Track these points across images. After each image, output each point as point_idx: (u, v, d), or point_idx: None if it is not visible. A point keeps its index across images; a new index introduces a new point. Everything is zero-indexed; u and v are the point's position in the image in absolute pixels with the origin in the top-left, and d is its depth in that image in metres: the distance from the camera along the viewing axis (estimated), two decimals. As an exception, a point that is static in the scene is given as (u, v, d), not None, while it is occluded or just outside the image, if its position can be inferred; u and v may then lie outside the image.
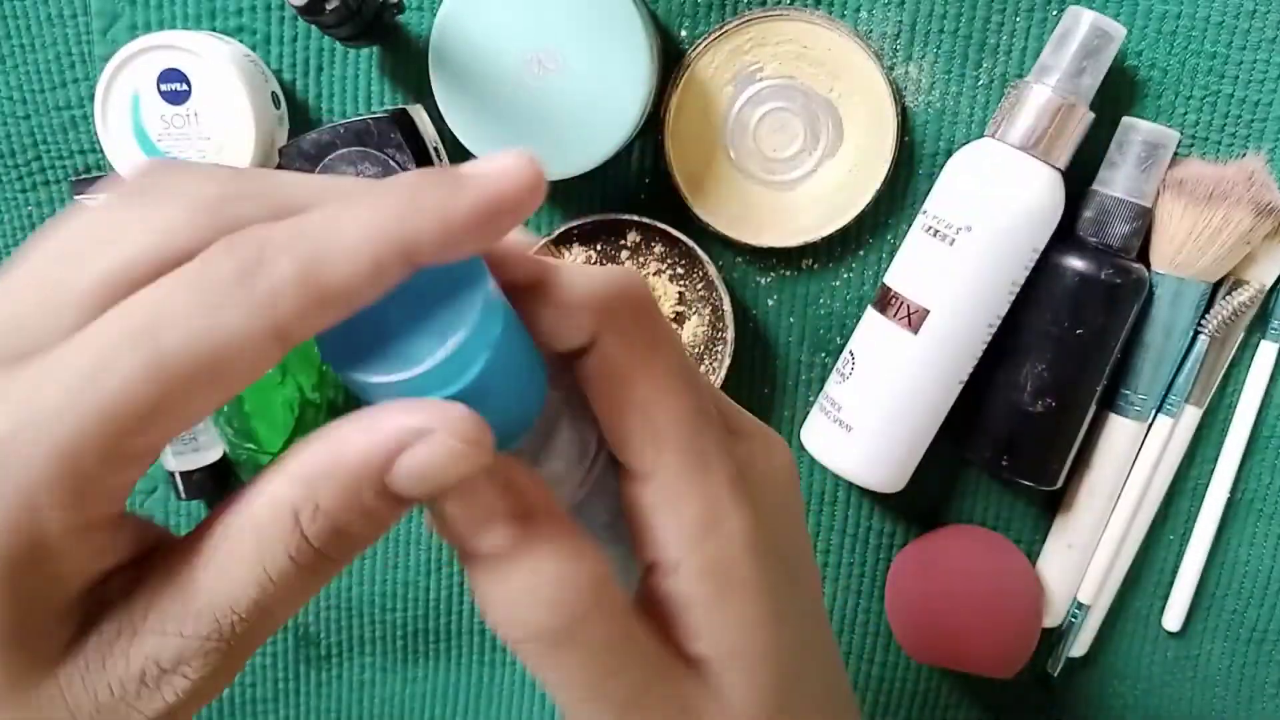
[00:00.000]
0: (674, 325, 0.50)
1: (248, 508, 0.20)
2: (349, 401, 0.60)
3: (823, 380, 0.53)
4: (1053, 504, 0.52)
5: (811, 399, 0.53)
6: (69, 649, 0.20)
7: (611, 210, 0.51)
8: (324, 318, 0.19)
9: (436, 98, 0.46)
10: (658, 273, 0.49)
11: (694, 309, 0.49)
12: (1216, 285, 0.49)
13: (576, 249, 0.49)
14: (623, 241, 0.49)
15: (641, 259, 0.49)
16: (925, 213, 0.47)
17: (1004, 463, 0.49)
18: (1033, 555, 0.53)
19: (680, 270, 0.49)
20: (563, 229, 0.48)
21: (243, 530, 0.20)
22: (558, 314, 0.23)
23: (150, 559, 0.21)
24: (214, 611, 0.19)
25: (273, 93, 0.49)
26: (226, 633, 0.20)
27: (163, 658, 0.19)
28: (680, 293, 0.49)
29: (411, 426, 0.19)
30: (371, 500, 0.20)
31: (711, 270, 0.48)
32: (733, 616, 0.24)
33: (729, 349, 0.49)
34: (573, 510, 0.25)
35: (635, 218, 0.48)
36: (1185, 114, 0.48)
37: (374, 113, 0.46)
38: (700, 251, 0.48)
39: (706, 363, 0.50)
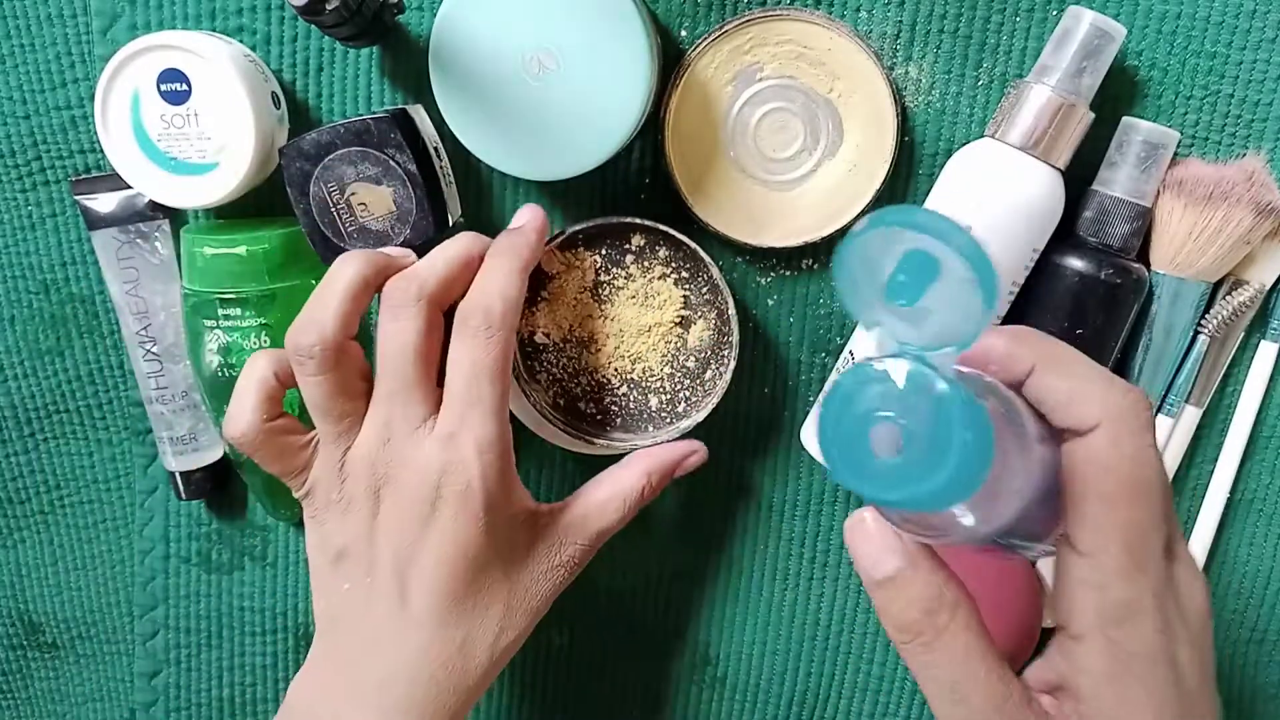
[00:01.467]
0: (681, 328, 0.50)
1: None
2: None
3: (823, 380, 0.53)
4: (1053, 503, 0.53)
5: (811, 399, 0.53)
6: None
7: (612, 211, 0.50)
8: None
9: (436, 98, 0.46)
10: (663, 276, 0.49)
11: (699, 313, 0.49)
12: (1216, 285, 0.49)
13: (583, 252, 0.49)
14: (628, 245, 0.49)
15: (647, 263, 0.49)
16: (926, 213, 0.47)
17: (1004, 463, 0.49)
18: (1033, 555, 0.53)
19: (685, 274, 0.49)
20: (568, 233, 0.48)
21: None
22: (1067, 415, 0.28)
23: None
24: None
25: (273, 93, 0.49)
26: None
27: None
28: (685, 297, 0.49)
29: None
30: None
31: (715, 273, 0.48)
32: (1118, 696, 0.27)
33: (734, 353, 0.48)
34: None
35: (640, 221, 0.48)
36: (1185, 114, 0.48)
37: (374, 113, 0.46)
38: (705, 255, 0.48)
39: (713, 367, 0.49)
